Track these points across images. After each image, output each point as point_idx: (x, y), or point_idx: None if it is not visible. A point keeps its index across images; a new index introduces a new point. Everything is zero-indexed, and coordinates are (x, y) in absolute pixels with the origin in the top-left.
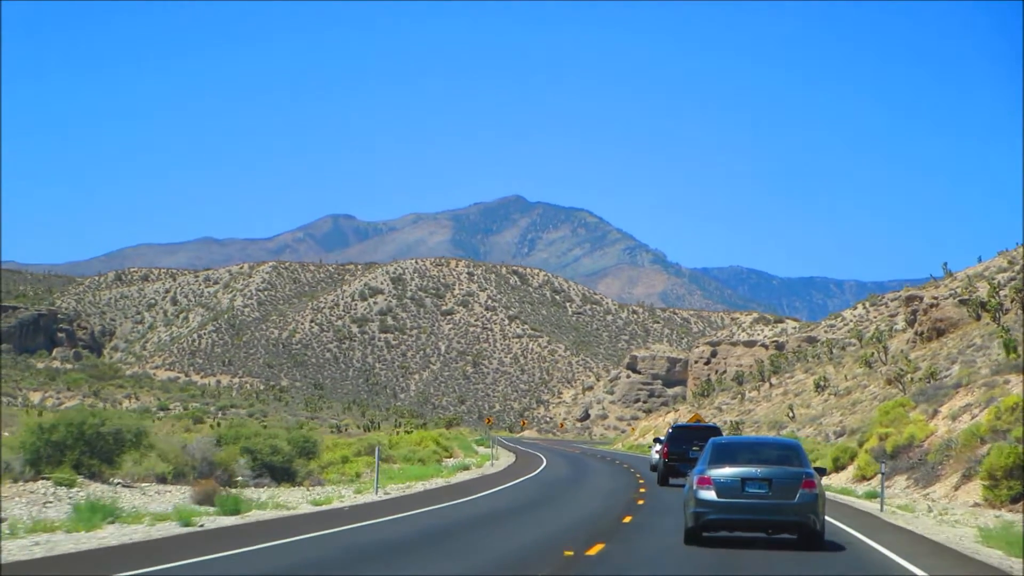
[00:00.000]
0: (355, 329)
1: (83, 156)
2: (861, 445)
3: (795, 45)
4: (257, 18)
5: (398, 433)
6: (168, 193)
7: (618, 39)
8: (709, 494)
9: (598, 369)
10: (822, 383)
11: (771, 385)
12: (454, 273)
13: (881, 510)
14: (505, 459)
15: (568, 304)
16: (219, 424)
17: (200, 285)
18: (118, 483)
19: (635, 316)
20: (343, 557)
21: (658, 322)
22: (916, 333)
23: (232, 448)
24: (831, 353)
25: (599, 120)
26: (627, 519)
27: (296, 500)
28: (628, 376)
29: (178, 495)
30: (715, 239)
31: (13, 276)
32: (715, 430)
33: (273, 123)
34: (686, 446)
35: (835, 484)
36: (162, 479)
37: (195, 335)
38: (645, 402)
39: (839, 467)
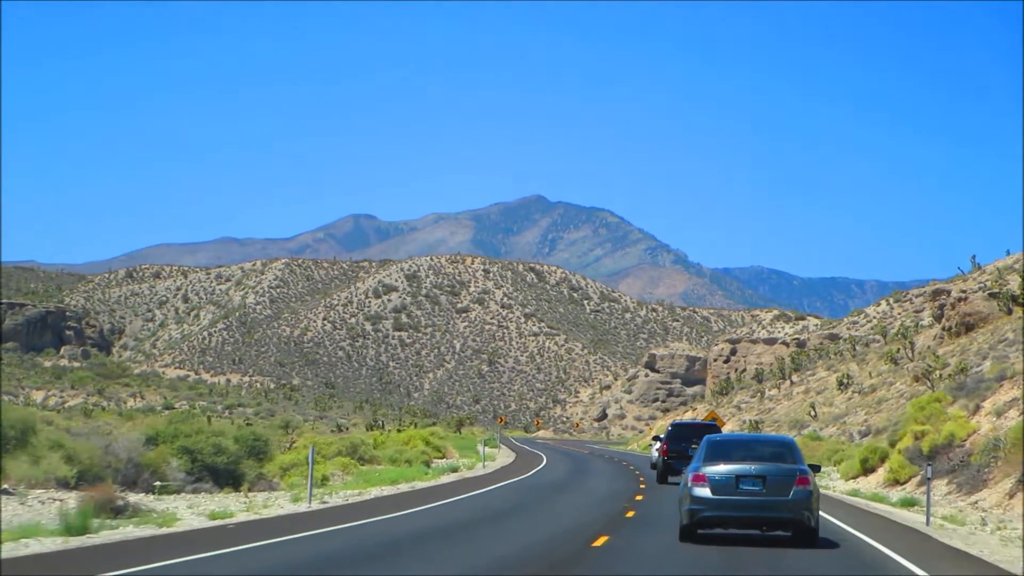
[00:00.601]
0: (368, 327)
1: (101, 156)
2: (893, 445)
3: (815, 48)
4: (280, 19)
5: (388, 431)
6: (188, 193)
7: (639, 41)
8: (704, 491)
9: (616, 368)
10: (845, 381)
11: (792, 383)
12: (469, 270)
13: (927, 524)
14: (503, 460)
15: (586, 302)
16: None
17: (212, 282)
18: (4, 489)
19: (654, 314)
20: None
21: (677, 320)
22: (944, 328)
23: (164, 448)
24: (854, 350)
25: (620, 120)
26: (601, 540)
27: (202, 511)
28: (647, 375)
29: (72, 504)
30: (736, 239)
31: (25, 274)
32: (715, 428)
33: (294, 123)
34: (685, 444)
35: (864, 489)
36: (66, 484)
37: (206, 333)
38: (664, 401)
39: (868, 469)
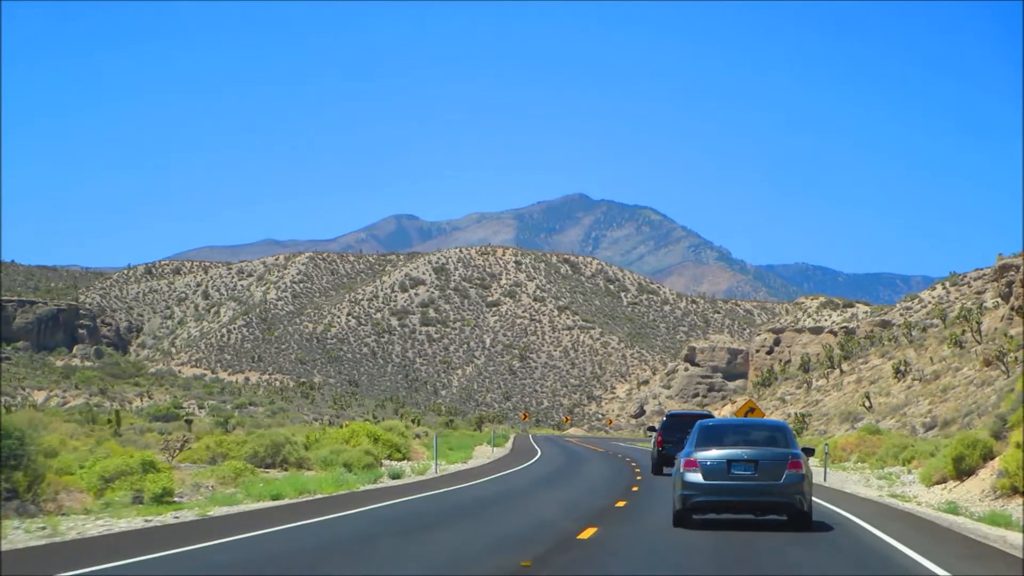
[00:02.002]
0: (395, 322)
1: (141, 160)
2: (998, 437)
3: (859, 46)
4: (321, 19)
5: (327, 428)
6: (231, 196)
7: (682, 38)
8: (696, 476)
9: (654, 362)
10: (903, 368)
11: (842, 372)
12: (500, 262)
13: None
14: (479, 460)
15: (623, 294)
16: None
17: (233, 278)
18: None
19: (694, 307)
20: None
21: (718, 312)
22: (1012, 308)
23: None
24: (910, 335)
25: (663, 117)
26: None
27: None
28: (686, 369)
29: None
30: (780, 236)
31: (48, 273)
32: (709, 417)
33: (335, 123)
34: (680, 434)
35: (965, 502)
36: None
37: (224, 330)
38: (704, 396)
39: (963, 472)
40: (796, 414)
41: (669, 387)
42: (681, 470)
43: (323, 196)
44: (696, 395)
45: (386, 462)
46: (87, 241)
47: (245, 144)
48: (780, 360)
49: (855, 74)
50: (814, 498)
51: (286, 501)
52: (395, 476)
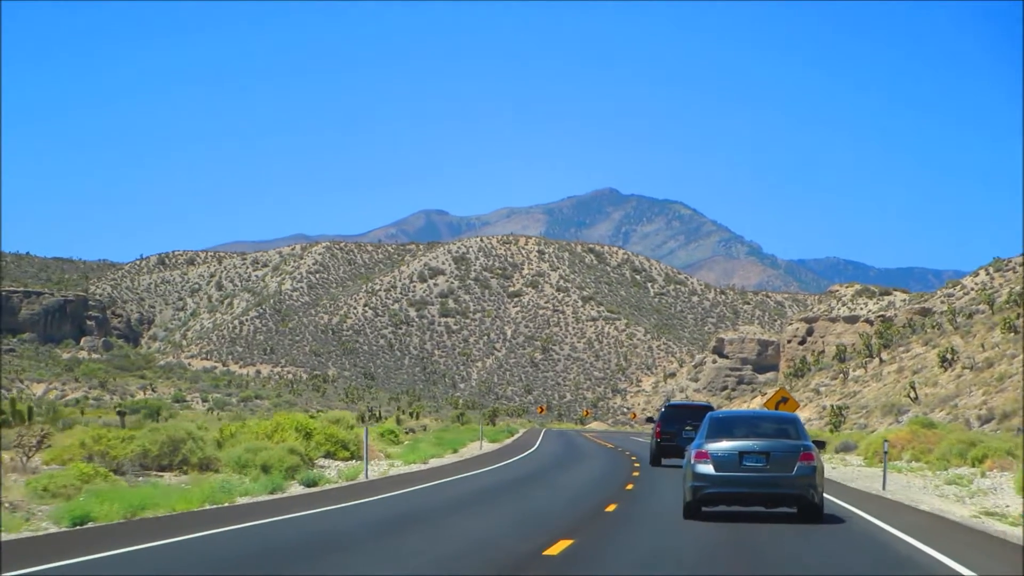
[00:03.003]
0: (413, 313)
1: (176, 155)
2: None
3: (887, 44)
4: (350, 16)
5: (246, 421)
6: (262, 192)
7: (710, 36)
8: (707, 468)
9: (681, 354)
10: (950, 356)
11: (881, 361)
12: (523, 251)
13: None
14: (457, 458)
15: (650, 284)
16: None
17: (248, 268)
18: None
19: (723, 298)
20: None
21: (748, 304)
22: None
23: None
24: (955, 322)
25: (692, 112)
26: None
27: None
28: (714, 361)
29: None
30: (811, 230)
31: (62, 264)
32: (710, 409)
33: (366, 119)
34: (678, 426)
35: None
36: None
37: (236, 322)
38: (733, 389)
39: None
40: (832, 406)
41: (697, 380)
42: (692, 461)
43: (353, 192)
44: (725, 388)
45: (326, 461)
46: (114, 237)
47: (275, 140)
48: (813, 351)
49: (886, 72)
50: (886, 525)
51: (90, 525)
52: (310, 483)
